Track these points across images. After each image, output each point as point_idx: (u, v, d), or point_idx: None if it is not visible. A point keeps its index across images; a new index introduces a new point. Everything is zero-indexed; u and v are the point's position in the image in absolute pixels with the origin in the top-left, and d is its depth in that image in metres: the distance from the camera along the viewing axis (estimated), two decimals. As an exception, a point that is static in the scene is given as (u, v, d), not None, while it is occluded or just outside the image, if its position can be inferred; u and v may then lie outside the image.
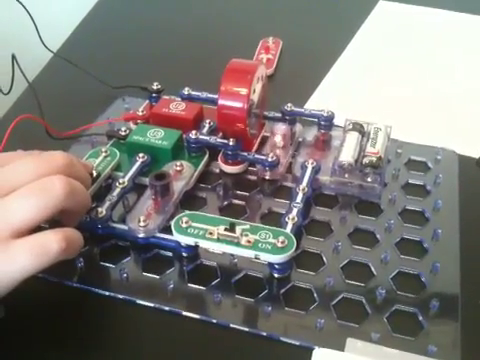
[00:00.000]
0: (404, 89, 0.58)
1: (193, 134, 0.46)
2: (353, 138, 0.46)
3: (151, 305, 0.38)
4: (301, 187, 0.43)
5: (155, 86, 0.52)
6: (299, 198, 0.42)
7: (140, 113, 0.50)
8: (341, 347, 0.35)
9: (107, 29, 0.71)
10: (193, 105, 0.50)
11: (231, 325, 0.37)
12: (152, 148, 0.45)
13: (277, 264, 0.39)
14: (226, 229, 0.38)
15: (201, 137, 0.46)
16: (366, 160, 0.45)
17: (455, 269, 0.40)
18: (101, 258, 0.41)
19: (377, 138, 0.46)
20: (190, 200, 0.45)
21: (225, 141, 0.46)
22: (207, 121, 0.49)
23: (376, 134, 0.46)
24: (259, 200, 0.45)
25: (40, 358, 0.36)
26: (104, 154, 0.46)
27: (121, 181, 0.43)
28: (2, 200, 0.34)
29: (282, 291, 0.38)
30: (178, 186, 0.43)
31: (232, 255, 0.40)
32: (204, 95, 0.52)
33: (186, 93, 0.52)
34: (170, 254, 0.41)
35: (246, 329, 0.36)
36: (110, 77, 0.57)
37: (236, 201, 0.45)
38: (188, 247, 0.40)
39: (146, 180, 0.44)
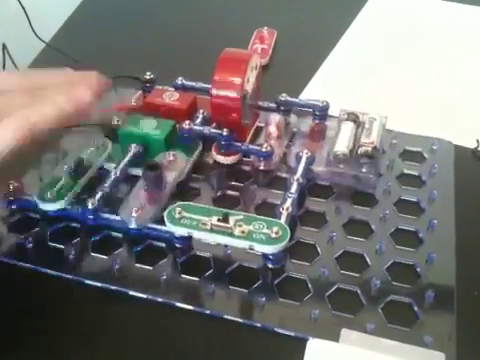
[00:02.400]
0: (399, 79, 0.58)
1: (186, 124, 0.46)
2: (348, 128, 0.46)
3: (144, 296, 0.38)
4: (295, 177, 0.43)
5: (148, 76, 0.52)
6: (293, 188, 0.42)
7: (133, 103, 0.50)
8: (336, 338, 0.35)
9: (99, 19, 0.71)
10: (187, 95, 0.49)
11: (225, 316, 0.36)
12: (145, 138, 0.45)
13: (271, 255, 0.38)
14: (220, 220, 0.38)
15: (195, 127, 0.46)
16: (361, 150, 0.44)
17: (451, 259, 0.39)
18: (93, 249, 0.40)
19: (372, 128, 0.46)
20: (183, 191, 0.44)
21: (219, 131, 0.45)
22: (201, 111, 0.48)
23: (371, 124, 0.46)
24: (253, 191, 0.45)
25: (32, 348, 0.35)
26: (97, 144, 0.45)
27: (113, 172, 0.43)
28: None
29: (276, 282, 0.38)
30: (171, 177, 0.43)
31: (226, 246, 0.39)
32: (198, 85, 0.51)
33: (179, 83, 0.51)
34: (163, 245, 0.41)
35: (240, 320, 0.36)
36: (102, 67, 0.55)
37: (230, 192, 0.45)
38: (181, 238, 0.39)
39: (139, 171, 0.43)
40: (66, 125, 0.39)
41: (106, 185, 0.42)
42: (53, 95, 0.36)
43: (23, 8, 0.58)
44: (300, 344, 0.35)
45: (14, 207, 0.43)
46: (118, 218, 0.40)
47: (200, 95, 0.50)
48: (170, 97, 0.49)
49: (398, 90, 0.56)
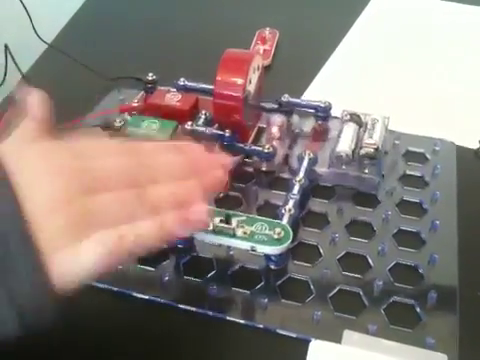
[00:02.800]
0: (402, 80, 0.58)
1: (189, 125, 0.46)
2: (350, 129, 0.46)
3: (146, 297, 0.37)
4: (298, 178, 0.43)
5: (150, 77, 0.52)
6: (296, 189, 0.42)
7: (135, 104, 0.50)
8: (338, 339, 0.35)
9: (102, 20, 0.71)
10: (189, 96, 0.49)
11: (227, 317, 0.36)
12: (147, 139, 0.45)
13: (273, 256, 0.38)
14: (222, 221, 0.38)
15: (197, 128, 0.46)
16: (363, 151, 0.44)
17: (453, 260, 0.39)
18: (96, 250, 0.40)
19: (375, 129, 0.46)
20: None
21: (221, 132, 0.45)
22: (203, 112, 0.48)
23: (373, 125, 0.46)
24: (255, 192, 0.45)
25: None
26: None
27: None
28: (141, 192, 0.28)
29: (278, 283, 0.38)
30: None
31: (228, 247, 0.39)
32: (200, 86, 0.51)
33: (182, 84, 0.51)
34: (165, 246, 0.40)
35: (242, 321, 0.36)
36: (105, 68, 0.56)
37: (232, 193, 0.45)
38: (183, 239, 0.39)
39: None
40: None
41: (108, 186, 0.42)
42: (162, 207, 0.29)
43: (25, 9, 0.58)
44: (302, 345, 0.35)
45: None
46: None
47: (202, 96, 0.50)
48: (172, 98, 0.49)
49: (400, 91, 0.56)
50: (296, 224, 0.41)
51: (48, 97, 0.33)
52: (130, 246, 0.28)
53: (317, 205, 0.44)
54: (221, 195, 0.44)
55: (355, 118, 0.47)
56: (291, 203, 0.41)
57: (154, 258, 0.40)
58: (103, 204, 0.28)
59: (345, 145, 0.44)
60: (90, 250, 0.26)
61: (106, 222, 0.27)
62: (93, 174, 0.28)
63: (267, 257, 0.39)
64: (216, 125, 0.47)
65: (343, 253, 0.40)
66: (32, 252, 0.25)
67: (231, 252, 0.40)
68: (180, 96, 0.49)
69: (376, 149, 0.44)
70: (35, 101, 0.32)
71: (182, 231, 0.31)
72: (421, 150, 0.48)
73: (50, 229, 0.26)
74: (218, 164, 0.34)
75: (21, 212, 0.25)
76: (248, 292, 0.38)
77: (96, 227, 0.27)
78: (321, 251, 0.40)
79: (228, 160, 0.35)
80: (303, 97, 0.54)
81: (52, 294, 0.26)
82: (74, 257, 0.26)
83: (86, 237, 0.26)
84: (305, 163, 0.44)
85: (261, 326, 0.36)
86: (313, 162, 0.45)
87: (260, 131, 0.50)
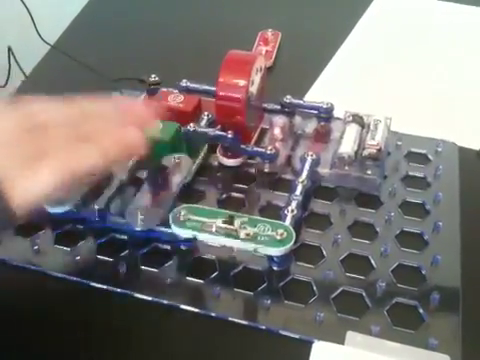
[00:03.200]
0: (404, 81, 0.58)
1: (191, 126, 0.46)
2: (353, 130, 0.46)
3: (149, 299, 0.38)
4: (300, 179, 0.43)
5: (153, 78, 0.52)
6: (298, 191, 0.42)
7: (138, 106, 0.50)
8: (341, 340, 0.35)
9: (105, 21, 0.71)
10: (191, 97, 0.49)
11: (230, 318, 0.36)
12: (150, 141, 0.45)
13: (276, 257, 0.38)
14: (225, 222, 0.38)
15: (199, 129, 0.46)
16: (366, 152, 0.44)
17: (456, 261, 0.39)
18: (99, 252, 0.40)
19: (377, 130, 0.46)
20: (188, 193, 0.44)
21: (224, 133, 0.45)
22: (205, 113, 0.48)
23: (376, 126, 0.46)
24: (258, 193, 0.45)
25: (39, 349, 0.35)
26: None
27: (119, 174, 0.43)
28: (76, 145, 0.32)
29: (281, 284, 0.38)
30: (176, 179, 0.43)
31: (231, 248, 0.39)
32: (202, 87, 0.51)
33: (184, 85, 0.51)
34: (168, 247, 0.41)
35: (245, 322, 0.36)
36: (108, 70, 0.56)
37: (235, 194, 0.45)
38: (186, 240, 0.39)
39: (144, 173, 0.43)
40: (109, 168, 0.36)
41: (112, 188, 0.42)
42: (99, 135, 0.33)
43: (28, 11, 0.58)
44: (305, 346, 0.35)
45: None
46: (124, 220, 0.40)
47: (205, 97, 0.50)
48: (175, 99, 0.49)
49: (403, 92, 0.56)
50: (299, 225, 0.41)
51: None
52: (77, 169, 0.31)
53: (320, 206, 0.44)
54: (224, 196, 0.44)
55: (357, 119, 0.47)
56: (294, 204, 0.41)
57: (157, 259, 0.40)
58: (49, 138, 0.32)
59: (347, 146, 0.45)
60: (44, 176, 0.31)
61: (54, 152, 0.31)
62: (37, 118, 0.32)
63: (270, 258, 0.39)
64: (218, 126, 0.47)
65: (346, 254, 0.40)
66: None
67: (234, 253, 0.40)
68: (182, 97, 0.49)
69: (378, 150, 0.44)
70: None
71: (122, 154, 0.34)
72: (423, 151, 0.48)
73: (7, 160, 0.30)
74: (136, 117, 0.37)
75: None
76: (251, 293, 0.38)
77: (46, 157, 0.31)
78: (324, 252, 0.40)
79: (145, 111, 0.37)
80: (305, 98, 0.54)
81: (12, 215, 0.30)
82: (31, 183, 0.30)
83: (39, 166, 0.30)
84: (307, 164, 0.44)
85: (264, 327, 0.36)
86: (315, 163, 0.45)
87: (262, 132, 0.50)
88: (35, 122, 0.32)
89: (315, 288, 0.38)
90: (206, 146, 0.47)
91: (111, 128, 0.34)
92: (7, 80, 0.53)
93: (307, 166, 0.44)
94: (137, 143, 0.34)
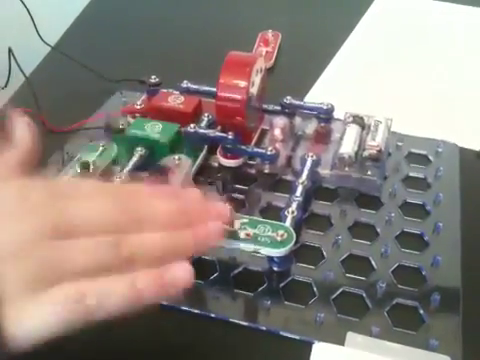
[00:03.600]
0: (404, 81, 0.58)
1: (191, 127, 0.46)
2: (353, 131, 0.46)
3: (149, 300, 0.37)
4: (301, 180, 0.43)
5: (153, 79, 0.52)
6: (299, 191, 0.42)
7: (138, 106, 0.50)
8: (341, 341, 0.35)
9: (105, 23, 0.71)
10: (192, 98, 0.49)
11: (230, 320, 0.36)
12: (150, 142, 0.45)
13: (277, 258, 0.38)
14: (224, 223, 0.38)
15: (200, 130, 0.46)
16: (366, 153, 0.44)
17: (456, 262, 0.39)
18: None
19: (377, 131, 0.46)
20: (189, 194, 0.44)
21: (224, 134, 0.46)
22: (206, 114, 0.48)
23: (376, 127, 0.46)
24: (258, 194, 0.45)
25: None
26: (102, 148, 0.45)
27: (119, 175, 0.43)
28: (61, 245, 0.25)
29: (282, 285, 0.38)
30: (176, 180, 0.43)
31: (231, 249, 0.39)
32: (203, 88, 0.51)
33: (184, 86, 0.51)
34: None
35: (245, 324, 0.36)
36: (108, 71, 0.56)
37: (235, 195, 0.45)
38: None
39: (144, 174, 0.43)
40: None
41: (111, 188, 0.42)
42: (140, 264, 0.26)
43: (28, 11, 0.58)
44: (305, 347, 0.35)
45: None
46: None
47: (205, 98, 0.50)
48: (175, 100, 0.49)
49: (403, 92, 0.56)
50: (299, 226, 0.41)
51: (34, 125, 0.30)
52: (92, 307, 0.25)
53: (320, 207, 0.44)
54: (224, 197, 0.44)
55: (358, 120, 0.47)
56: (294, 205, 0.41)
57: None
58: (73, 250, 0.25)
59: (348, 147, 0.45)
60: (47, 308, 0.24)
61: (72, 272, 0.25)
62: (69, 216, 0.26)
63: (270, 259, 0.39)
64: (219, 127, 0.47)
65: (346, 255, 0.40)
66: None
67: (234, 254, 0.40)
68: (183, 98, 0.49)
69: (379, 151, 0.44)
70: (22, 130, 0.30)
71: (155, 296, 0.27)
72: (424, 152, 0.48)
73: (10, 276, 0.24)
74: (215, 214, 0.31)
75: None
76: (251, 294, 0.38)
77: (60, 277, 0.24)
78: (324, 253, 0.40)
79: (226, 210, 0.32)
80: (306, 99, 0.54)
81: (4, 347, 0.23)
82: (31, 312, 0.24)
83: (49, 287, 0.24)
84: (308, 165, 0.44)
85: (264, 328, 0.36)
86: (316, 164, 0.45)
87: (263, 133, 0.50)
88: (64, 226, 0.25)
89: (315, 289, 0.38)
90: (206, 147, 0.47)
91: (161, 248, 0.27)
92: (7, 81, 0.53)
93: (307, 167, 0.44)
94: (187, 282, 0.27)
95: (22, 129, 0.30)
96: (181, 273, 0.27)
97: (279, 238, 0.37)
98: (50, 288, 0.24)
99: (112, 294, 0.25)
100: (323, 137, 0.49)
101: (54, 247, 0.25)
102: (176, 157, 0.44)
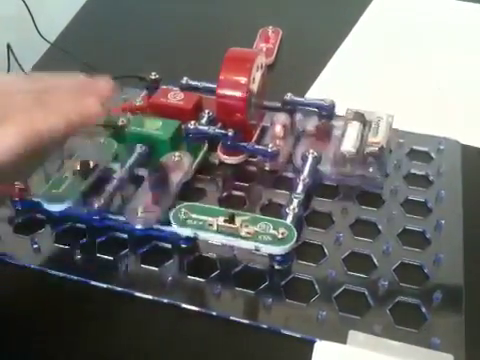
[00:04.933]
0: (406, 78, 0.58)
1: (192, 124, 0.46)
2: (354, 128, 0.46)
3: (150, 297, 0.37)
4: (302, 178, 0.43)
5: (153, 76, 0.52)
6: (300, 189, 0.42)
7: (138, 103, 0.49)
8: (343, 339, 0.35)
9: (105, 19, 0.70)
10: (192, 95, 0.49)
11: (231, 317, 0.36)
12: (150, 139, 0.45)
13: (278, 255, 0.38)
14: (226, 220, 0.38)
15: (200, 127, 0.46)
16: (368, 150, 0.44)
17: (458, 260, 0.39)
18: (99, 250, 0.40)
19: (379, 128, 0.45)
20: (189, 191, 0.44)
21: (224, 131, 0.45)
22: (206, 111, 0.48)
23: (378, 124, 0.46)
24: (259, 191, 0.44)
25: (40, 348, 0.35)
26: (101, 145, 0.45)
27: (119, 172, 0.43)
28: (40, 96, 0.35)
29: (283, 283, 0.38)
30: (176, 177, 0.42)
31: (232, 247, 0.39)
32: (203, 85, 0.51)
33: (185, 83, 0.51)
34: (169, 246, 0.40)
35: (246, 321, 0.36)
36: (107, 67, 0.55)
37: (236, 192, 0.44)
38: (187, 239, 0.39)
39: (144, 171, 0.43)
40: (69, 134, 0.38)
41: (111, 186, 0.42)
42: (60, 102, 0.35)
43: (27, 8, 0.58)
44: (307, 346, 0.34)
45: (20, 208, 0.43)
46: (123, 219, 0.40)
47: (205, 95, 0.49)
48: (175, 97, 0.48)
49: (405, 89, 0.56)
50: (300, 223, 0.41)
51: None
52: (40, 129, 0.33)
53: (321, 204, 0.43)
54: (224, 194, 0.44)
55: (359, 117, 0.46)
56: (295, 202, 0.40)
57: (158, 258, 0.39)
58: (14, 103, 0.34)
59: (349, 144, 0.44)
60: (8, 134, 0.32)
61: (18, 114, 0.33)
62: (3, 86, 0.35)
63: (271, 257, 0.39)
64: (219, 124, 0.47)
65: (348, 253, 0.40)
66: None
67: (235, 252, 0.39)
68: (183, 95, 0.49)
69: (380, 148, 0.44)
70: (105, 81, 0.38)
71: (80, 119, 0.35)
72: (426, 149, 0.48)
73: None
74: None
75: None
76: (252, 292, 0.37)
77: (11, 118, 0.33)
78: (325, 251, 0.40)
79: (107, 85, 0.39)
80: (307, 96, 0.54)
81: None
82: None
83: (3, 125, 0.32)
84: (309, 162, 0.44)
85: (265, 326, 0.36)
86: (317, 161, 0.45)
87: (264, 130, 0.49)
88: (0, 89, 0.35)
89: (317, 287, 0.38)
90: (207, 144, 0.47)
91: (71, 97, 0.36)
92: (6, 78, 0.52)
93: (308, 164, 0.44)
94: (94, 111, 0.36)
95: (105, 81, 0.39)
96: (91, 102, 0.36)
97: (280, 236, 0.37)
98: (4, 122, 0.32)
99: (49, 118, 0.34)
100: (324, 134, 0.48)
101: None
102: (176, 154, 0.44)
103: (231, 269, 0.39)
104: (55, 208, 0.41)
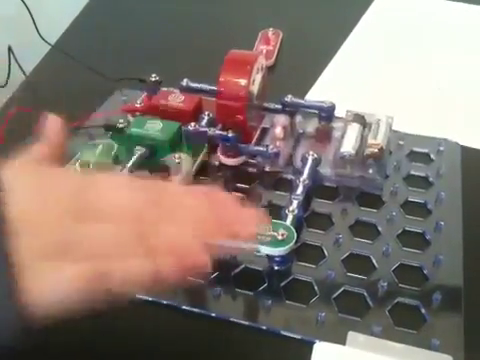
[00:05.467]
0: (406, 80, 0.58)
1: (192, 126, 0.46)
2: (354, 129, 0.46)
3: (149, 299, 0.37)
4: (302, 179, 0.43)
5: (153, 78, 0.52)
6: (299, 190, 0.42)
7: (138, 105, 0.50)
8: (342, 341, 0.35)
9: (105, 21, 0.71)
10: (192, 97, 0.49)
11: (231, 319, 0.36)
12: (150, 140, 0.45)
13: (277, 257, 0.38)
14: (225, 222, 0.38)
15: (200, 129, 0.46)
16: (368, 151, 0.44)
17: (458, 261, 0.39)
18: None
19: (379, 129, 0.45)
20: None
21: (224, 133, 0.45)
22: (206, 113, 0.48)
23: (377, 125, 0.46)
24: (259, 192, 0.45)
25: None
26: (102, 147, 0.45)
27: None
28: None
29: (282, 284, 0.38)
30: (177, 179, 0.43)
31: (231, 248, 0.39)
32: (203, 86, 0.51)
33: (185, 84, 0.51)
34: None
35: (246, 323, 0.36)
36: (108, 69, 0.56)
37: (236, 193, 0.45)
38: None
39: (144, 173, 0.43)
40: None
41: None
42: (164, 246, 0.26)
43: (28, 10, 0.58)
44: (306, 347, 0.34)
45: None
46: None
47: (205, 97, 0.49)
48: (175, 99, 0.48)
49: (404, 91, 0.56)
50: (300, 225, 0.41)
51: (64, 124, 0.33)
52: (115, 284, 0.25)
53: (321, 206, 0.43)
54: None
55: (359, 118, 0.47)
56: (295, 204, 0.41)
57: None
58: (96, 233, 0.25)
59: (349, 145, 0.44)
60: (67, 281, 0.24)
61: (94, 253, 0.25)
62: (94, 204, 0.26)
63: (271, 258, 0.39)
64: (219, 126, 0.47)
65: (347, 254, 0.40)
66: (7, 274, 0.23)
67: (234, 253, 0.39)
68: (183, 97, 0.49)
69: (380, 149, 0.44)
70: (52, 126, 0.32)
71: (178, 279, 0.27)
72: (425, 150, 0.48)
73: (30, 246, 0.24)
74: (247, 217, 0.31)
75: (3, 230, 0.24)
76: (252, 293, 0.37)
77: (81, 256, 0.25)
78: (325, 252, 0.40)
79: (256, 215, 0.31)
80: (306, 97, 0.54)
81: (22, 317, 0.24)
82: (56, 278, 0.24)
83: (69, 264, 0.24)
84: (309, 164, 0.44)
85: (265, 328, 0.36)
86: (317, 163, 0.45)
87: (264, 132, 0.50)
88: (88, 205, 0.26)
89: (316, 288, 0.38)
90: (207, 146, 0.47)
91: (183, 238, 0.27)
92: (7, 80, 0.52)
93: (308, 165, 0.44)
94: (204, 266, 0.28)
95: (51, 124, 0.32)
96: (200, 259, 0.28)
97: (280, 237, 0.37)
98: (75, 262, 0.24)
99: (135, 273, 0.26)
100: (324, 136, 0.48)
101: (76, 226, 0.25)
102: (176, 156, 0.44)
103: (231, 270, 0.39)
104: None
